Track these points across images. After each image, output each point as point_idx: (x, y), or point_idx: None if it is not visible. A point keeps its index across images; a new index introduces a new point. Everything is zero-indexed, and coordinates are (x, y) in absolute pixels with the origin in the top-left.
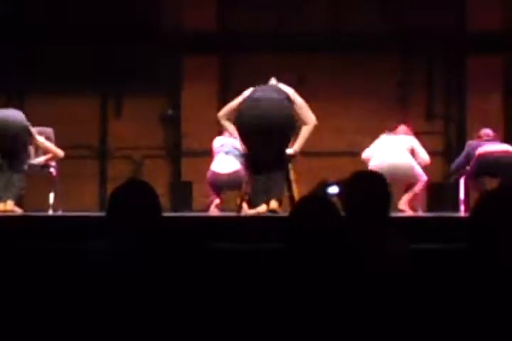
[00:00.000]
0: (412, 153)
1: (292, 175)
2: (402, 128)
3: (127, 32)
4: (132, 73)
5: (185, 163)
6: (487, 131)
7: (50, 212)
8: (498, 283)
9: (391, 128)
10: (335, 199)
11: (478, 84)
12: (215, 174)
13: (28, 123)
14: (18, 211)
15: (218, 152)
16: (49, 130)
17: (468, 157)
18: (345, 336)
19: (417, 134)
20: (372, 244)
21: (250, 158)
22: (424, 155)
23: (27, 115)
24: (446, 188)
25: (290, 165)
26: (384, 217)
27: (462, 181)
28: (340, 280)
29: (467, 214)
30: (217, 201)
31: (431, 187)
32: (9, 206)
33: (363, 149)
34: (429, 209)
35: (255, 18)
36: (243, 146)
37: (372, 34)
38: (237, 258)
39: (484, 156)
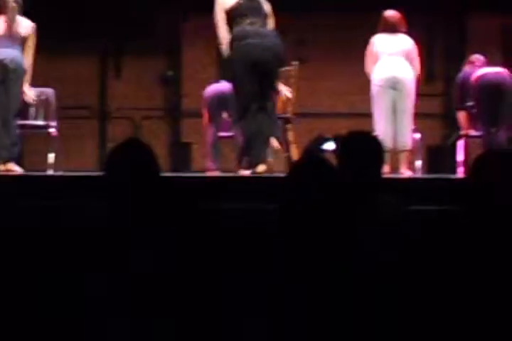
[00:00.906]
0: (407, 58)
1: (291, 137)
2: (396, 16)
3: None
4: (132, 33)
5: (185, 124)
6: (479, 56)
7: (50, 172)
8: (491, 244)
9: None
10: (330, 155)
11: (478, 44)
12: (215, 90)
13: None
14: (19, 170)
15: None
16: (49, 90)
17: (465, 86)
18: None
19: (417, 96)
20: (364, 201)
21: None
22: (417, 65)
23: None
24: (445, 150)
25: (289, 126)
26: (376, 176)
27: (461, 143)
28: (333, 239)
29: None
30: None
31: (430, 150)
32: (10, 166)
33: (362, 110)
34: (427, 171)
35: None
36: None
37: None
38: (234, 218)
39: (486, 75)
